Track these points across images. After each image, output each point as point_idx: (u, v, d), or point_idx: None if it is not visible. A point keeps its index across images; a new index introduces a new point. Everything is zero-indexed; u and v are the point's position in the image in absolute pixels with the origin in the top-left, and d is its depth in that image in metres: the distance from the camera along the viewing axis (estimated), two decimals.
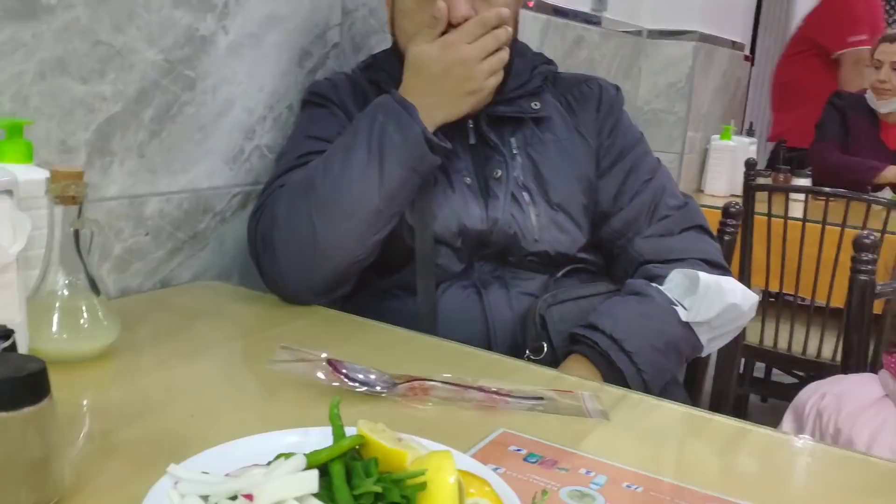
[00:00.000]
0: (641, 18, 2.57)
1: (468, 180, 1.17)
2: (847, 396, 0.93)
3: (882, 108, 2.86)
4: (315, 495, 0.52)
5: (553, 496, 0.65)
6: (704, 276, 1.12)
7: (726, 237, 1.38)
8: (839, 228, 2.16)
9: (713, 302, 1.11)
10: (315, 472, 0.53)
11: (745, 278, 2.33)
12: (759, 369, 3.08)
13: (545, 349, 1.11)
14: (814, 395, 0.96)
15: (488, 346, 1.12)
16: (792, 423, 0.98)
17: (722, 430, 0.85)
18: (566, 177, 1.21)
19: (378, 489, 0.51)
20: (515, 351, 1.12)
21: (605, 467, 0.71)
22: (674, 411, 0.87)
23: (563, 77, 1.29)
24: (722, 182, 2.75)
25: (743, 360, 2.85)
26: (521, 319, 1.15)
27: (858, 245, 1.15)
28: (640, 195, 1.23)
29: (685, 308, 1.12)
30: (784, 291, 2.34)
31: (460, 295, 1.16)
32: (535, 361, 1.08)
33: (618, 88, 1.31)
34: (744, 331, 2.38)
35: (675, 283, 1.15)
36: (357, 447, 0.58)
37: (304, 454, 0.56)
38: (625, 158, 1.25)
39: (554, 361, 1.09)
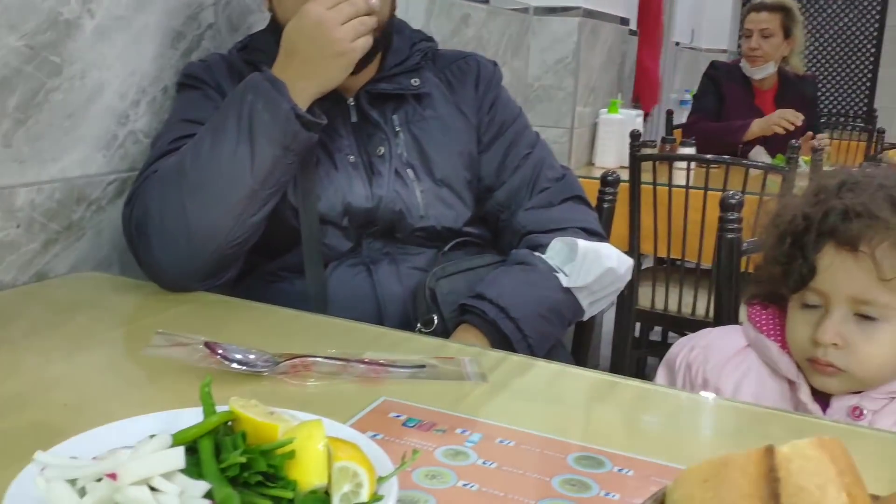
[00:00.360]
0: None
1: (352, 158, 1.17)
2: (713, 348, 0.99)
3: (755, 75, 3.01)
4: (183, 471, 0.53)
5: (428, 456, 0.68)
6: (583, 244, 1.17)
7: (606, 205, 1.43)
8: (720, 193, 2.26)
9: (591, 267, 1.16)
10: (180, 449, 0.53)
11: (634, 245, 2.43)
12: (657, 332, 3.22)
13: (435, 321, 1.14)
14: (683, 348, 1.02)
15: (380, 323, 1.13)
16: (665, 376, 1.03)
17: (593, 383, 0.89)
18: (449, 153, 1.23)
19: (243, 460, 0.52)
20: (407, 325, 1.15)
21: (480, 426, 0.74)
22: (548, 369, 0.91)
23: (442, 54, 1.31)
24: (611, 154, 2.84)
25: (638, 325, 2.97)
26: (411, 294, 1.17)
27: (724, 205, 1.22)
28: (520, 169, 1.27)
29: (566, 274, 1.16)
30: (672, 256, 2.44)
31: (349, 273, 1.17)
32: (426, 334, 1.11)
33: (495, 64, 1.34)
34: (637, 296, 2.50)
35: (555, 251, 1.19)
36: (230, 424, 0.59)
37: (172, 433, 0.56)
38: (505, 133, 1.28)
39: (445, 333, 1.12)
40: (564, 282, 1.16)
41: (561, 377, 0.90)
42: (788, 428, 0.81)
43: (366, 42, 1.08)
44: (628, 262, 1.20)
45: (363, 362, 0.84)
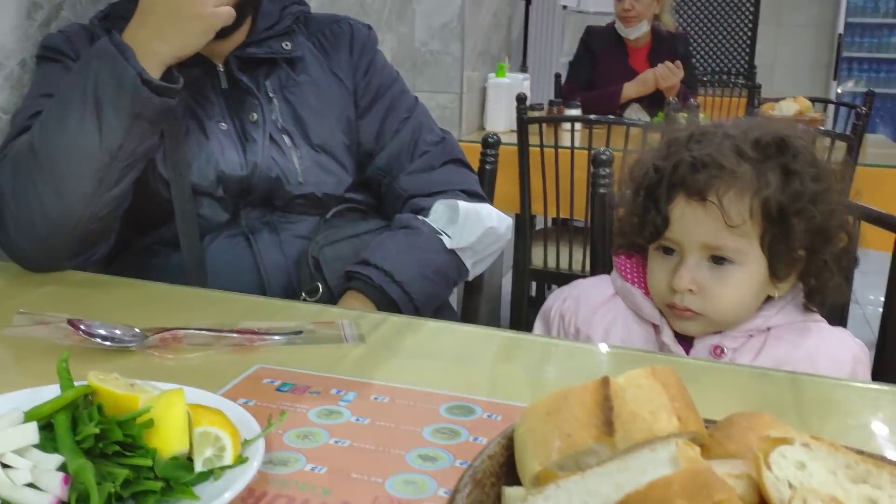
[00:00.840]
0: None
1: (223, 126, 1.15)
2: (583, 298, 1.02)
3: (630, 35, 3.10)
4: (38, 446, 0.52)
5: (301, 417, 0.68)
6: (464, 205, 1.19)
7: (488, 167, 1.45)
8: None
9: (473, 228, 1.19)
10: (33, 425, 0.52)
11: (525, 207, 2.48)
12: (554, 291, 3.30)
13: (321, 290, 1.14)
14: (557, 300, 1.05)
15: (263, 293, 1.12)
16: (541, 327, 1.07)
17: (468, 338, 0.91)
18: (326, 118, 1.22)
19: (96, 430, 0.51)
20: (291, 295, 1.14)
21: (355, 385, 0.75)
22: (426, 327, 0.93)
23: (314, 18, 1.29)
24: (501, 118, 2.87)
25: (535, 284, 3.04)
26: (294, 263, 1.16)
27: (596, 161, 1.26)
28: (400, 133, 1.27)
29: (449, 236, 1.18)
30: (562, 216, 2.51)
31: (228, 245, 1.15)
32: (311, 303, 1.10)
33: (370, 28, 1.33)
34: (530, 256, 2.56)
35: (438, 213, 1.20)
36: (91, 399, 0.58)
37: (25, 410, 0.55)
38: (383, 98, 1.28)
39: (331, 302, 1.12)
40: (448, 243, 1.17)
41: (438, 334, 0.92)
42: None
43: (229, 12, 1.03)
44: (508, 220, 1.23)
45: (237, 332, 0.83)
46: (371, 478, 0.59)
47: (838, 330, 0.98)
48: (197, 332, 0.81)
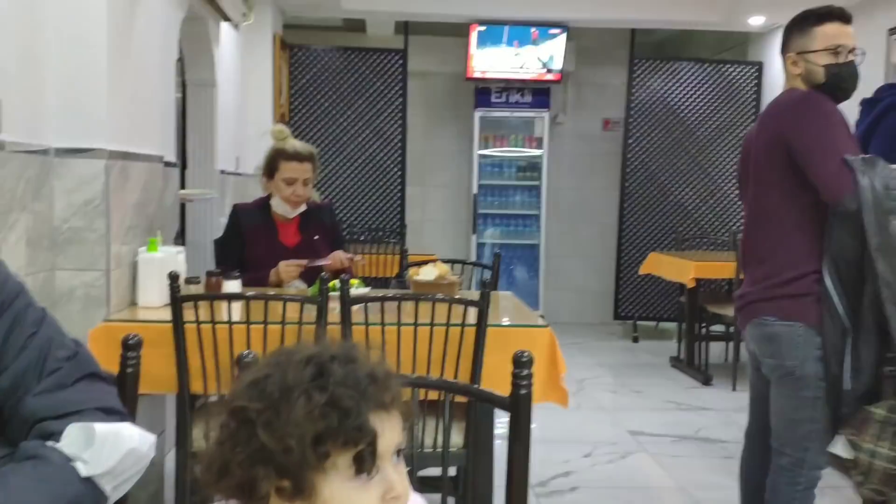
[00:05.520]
0: (45, 137, 2.47)
1: None
2: None
3: (290, 214, 3.21)
4: None
5: None
6: (101, 428, 1.12)
7: (129, 370, 1.39)
8: (262, 326, 2.37)
9: (112, 451, 1.13)
10: None
11: (184, 387, 2.39)
12: None
13: None
14: None
15: None
16: None
17: None
18: None
19: None
20: None
21: None
22: None
23: None
24: (154, 293, 2.77)
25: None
26: None
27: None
28: (26, 350, 1.19)
29: (85, 462, 1.10)
30: (222, 393, 2.45)
31: None
32: None
33: None
34: (191, 439, 2.45)
35: (72, 438, 1.12)
36: None
37: None
38: (5, 313, 1.19)
39: None
40: (83, 471, 1.10)
41: None
42: None
43: None
44: (150, 439, 1.19)
45: None
46: None
47: None
48: None
